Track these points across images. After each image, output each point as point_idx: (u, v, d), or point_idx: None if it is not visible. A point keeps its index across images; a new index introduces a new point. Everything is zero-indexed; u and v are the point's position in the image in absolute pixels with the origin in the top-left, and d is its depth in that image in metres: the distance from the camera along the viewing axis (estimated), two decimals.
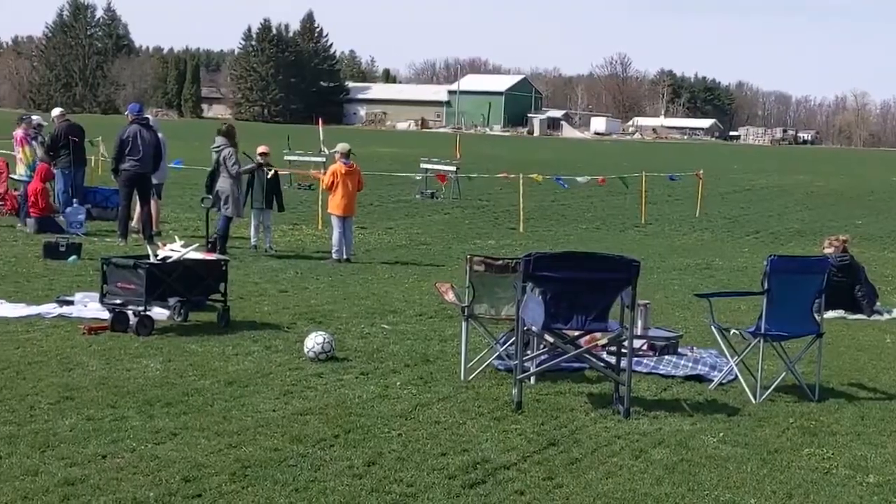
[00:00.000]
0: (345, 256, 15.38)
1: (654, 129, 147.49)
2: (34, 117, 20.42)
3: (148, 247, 11.42)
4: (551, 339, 8.11)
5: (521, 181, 22.69)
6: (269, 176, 16.20)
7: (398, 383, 8.31)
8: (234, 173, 15.20)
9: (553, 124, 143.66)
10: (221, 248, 14.89)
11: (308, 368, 8.65)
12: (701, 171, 28.58)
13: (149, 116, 16.68)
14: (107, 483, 5.76)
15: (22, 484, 5.68)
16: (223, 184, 15.17)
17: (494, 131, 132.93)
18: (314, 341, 8.95)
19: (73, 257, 13.92)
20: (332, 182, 15.55)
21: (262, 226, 16.20)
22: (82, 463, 6.07)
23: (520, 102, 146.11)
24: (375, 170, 28.87)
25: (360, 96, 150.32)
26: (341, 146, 15.98)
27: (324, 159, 25.51)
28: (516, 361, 7.78)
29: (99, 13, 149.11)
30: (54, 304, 10.64)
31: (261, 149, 16.74)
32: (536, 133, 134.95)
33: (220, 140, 15.40)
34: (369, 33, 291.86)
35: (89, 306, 10.46)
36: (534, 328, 7.78)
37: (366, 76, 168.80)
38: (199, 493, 5.71)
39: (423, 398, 7.91)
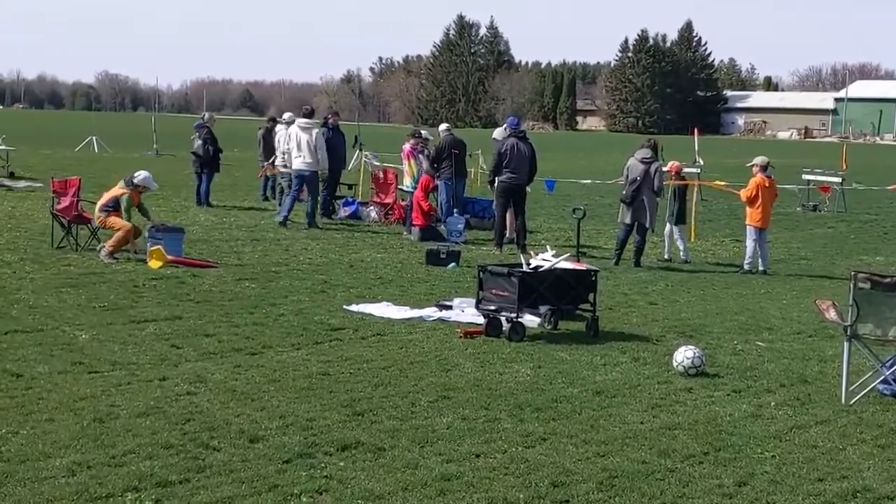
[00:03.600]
0: (761, 268, 15.41)
1: None
2: (422, 132, 21.72)
3: (521, 255, 11.75)
4: None
5: None
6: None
7: (773, 403, 7.98)
8: (657, 188, 15.49)
9: None
10: (629, 259, 15.44)
11: (677, 382, 8.52)
12: None
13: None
14: (479, 481, 5.99)
15: (403, 476, 6.04)
16: (648, 195, 15.40)
17: (886, 140, 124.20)
18: (684, 355, 8.80)
19: (453, 264, 14.57)
20: (755, 195, 15.54)
21: (672, 238, 16.49)
22: (458, 460, 6.35)
23: None
24: None
25: (739, 105, 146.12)
26: (760, 159, 15.97)
27: (698, 170, 25.04)
28: None
29: (482, 31, 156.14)
30: (434, 308, 11.24)
31: (672, 166, 16.91)
32: None
33: (650, 153, 15.62)
34: (750, 40, 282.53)
35: (466, 311, 10.93)
36: None
37: (745, 84, 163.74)
38: (567, 498, 5.78)
39: (800, 420, 7.54)
